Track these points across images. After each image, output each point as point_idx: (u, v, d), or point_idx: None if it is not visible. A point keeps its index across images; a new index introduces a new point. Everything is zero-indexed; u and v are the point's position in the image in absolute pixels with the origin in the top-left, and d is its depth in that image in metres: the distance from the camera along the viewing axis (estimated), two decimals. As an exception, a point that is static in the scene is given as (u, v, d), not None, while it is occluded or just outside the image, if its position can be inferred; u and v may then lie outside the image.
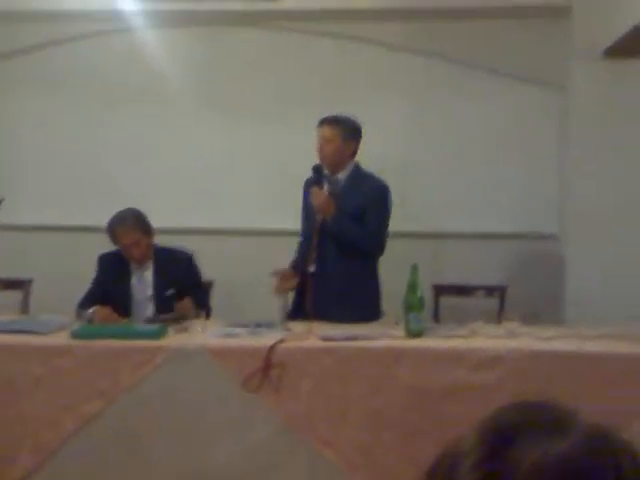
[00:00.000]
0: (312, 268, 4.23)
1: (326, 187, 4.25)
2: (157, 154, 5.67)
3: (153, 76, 5.51)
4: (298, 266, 4.30)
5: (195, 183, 5.63)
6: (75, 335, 3.71)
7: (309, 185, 4.27)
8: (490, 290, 4.88)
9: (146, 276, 4.36)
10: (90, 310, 4.04)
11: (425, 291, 3.89)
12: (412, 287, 3.68)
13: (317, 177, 4.21)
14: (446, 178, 5.56)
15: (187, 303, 4.18)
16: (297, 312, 4.22)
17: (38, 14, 5.38)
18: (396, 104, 5.57)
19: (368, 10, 5.28)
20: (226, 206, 5.52)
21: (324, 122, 4.27)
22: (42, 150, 5.76)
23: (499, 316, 4.55)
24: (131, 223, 4.27)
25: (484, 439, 0.79)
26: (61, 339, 3.70)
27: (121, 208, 4.36)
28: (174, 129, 5.67)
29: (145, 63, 5.48)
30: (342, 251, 4.20)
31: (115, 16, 5.30)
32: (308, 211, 4.32)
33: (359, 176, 4.30)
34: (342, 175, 4.28)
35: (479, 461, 0.77)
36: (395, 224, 5.17)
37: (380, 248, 4.27)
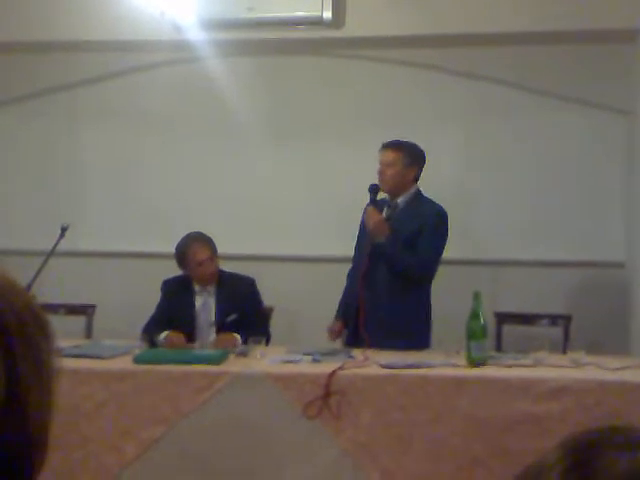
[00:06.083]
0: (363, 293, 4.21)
1: (385, 211, 4.23)
2: (220, 182, 5.71)
3: (218, 105, 5.55)
4: (352, 297, 4.28)
5: (257, 210, 5.65)
6: (137, 360, 3.75)
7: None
8: (554, 319, 4.79)
9: (209, 301, 4.39)
10: (162, 336, 4.11)
11: (487, 319, 3.83)
12: (475, 315, 3.63)
13: (373, 197, 4.19)
14: (510, 205, 5.48)
15: (230, 338, 4.17)
16: (352, 337, 4.20)
17: (103, 44, 5.47)
18: (458, 130, 5.53)
19: (430, 36, 5.26)
20: (287, 233, 5.53)
21: (387, 146, 4.27)
22: (107, 178, 5.85)
23: (564, 345, 4.46)
24: (205, 240, 4.38)
25: (569, 452, 0.80)
26: (123, 364, 3.75)
27: (184, 234, 4.43)
28: (238, 157, 5.71)
29: (209, 92, 5.53)
30: (392, 276, 4.15)
31: (180, 46, 5.38)
32: (361, 235, 4.32)
33: (418, 201, 4.28)
34: (402, 200, 4.26)
35: (567, 470, 0.78)
36: (457, 251, 5.12)
37: (429, 277, 4.22)
